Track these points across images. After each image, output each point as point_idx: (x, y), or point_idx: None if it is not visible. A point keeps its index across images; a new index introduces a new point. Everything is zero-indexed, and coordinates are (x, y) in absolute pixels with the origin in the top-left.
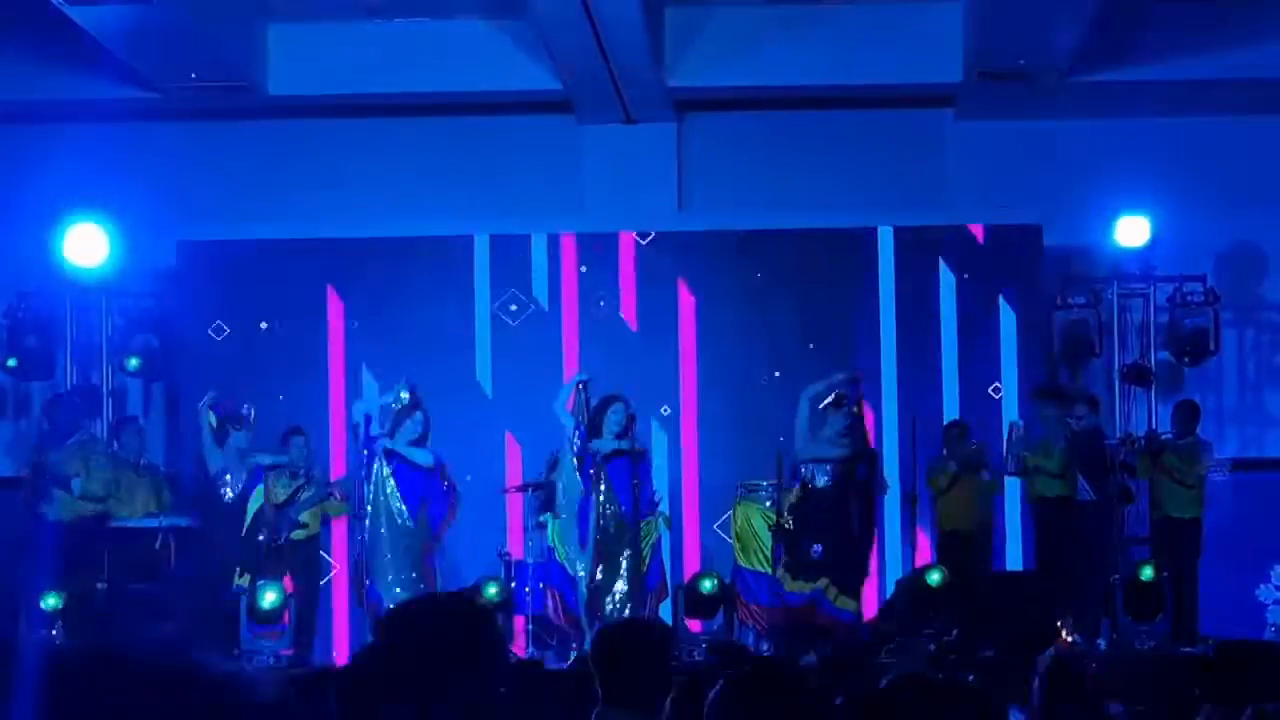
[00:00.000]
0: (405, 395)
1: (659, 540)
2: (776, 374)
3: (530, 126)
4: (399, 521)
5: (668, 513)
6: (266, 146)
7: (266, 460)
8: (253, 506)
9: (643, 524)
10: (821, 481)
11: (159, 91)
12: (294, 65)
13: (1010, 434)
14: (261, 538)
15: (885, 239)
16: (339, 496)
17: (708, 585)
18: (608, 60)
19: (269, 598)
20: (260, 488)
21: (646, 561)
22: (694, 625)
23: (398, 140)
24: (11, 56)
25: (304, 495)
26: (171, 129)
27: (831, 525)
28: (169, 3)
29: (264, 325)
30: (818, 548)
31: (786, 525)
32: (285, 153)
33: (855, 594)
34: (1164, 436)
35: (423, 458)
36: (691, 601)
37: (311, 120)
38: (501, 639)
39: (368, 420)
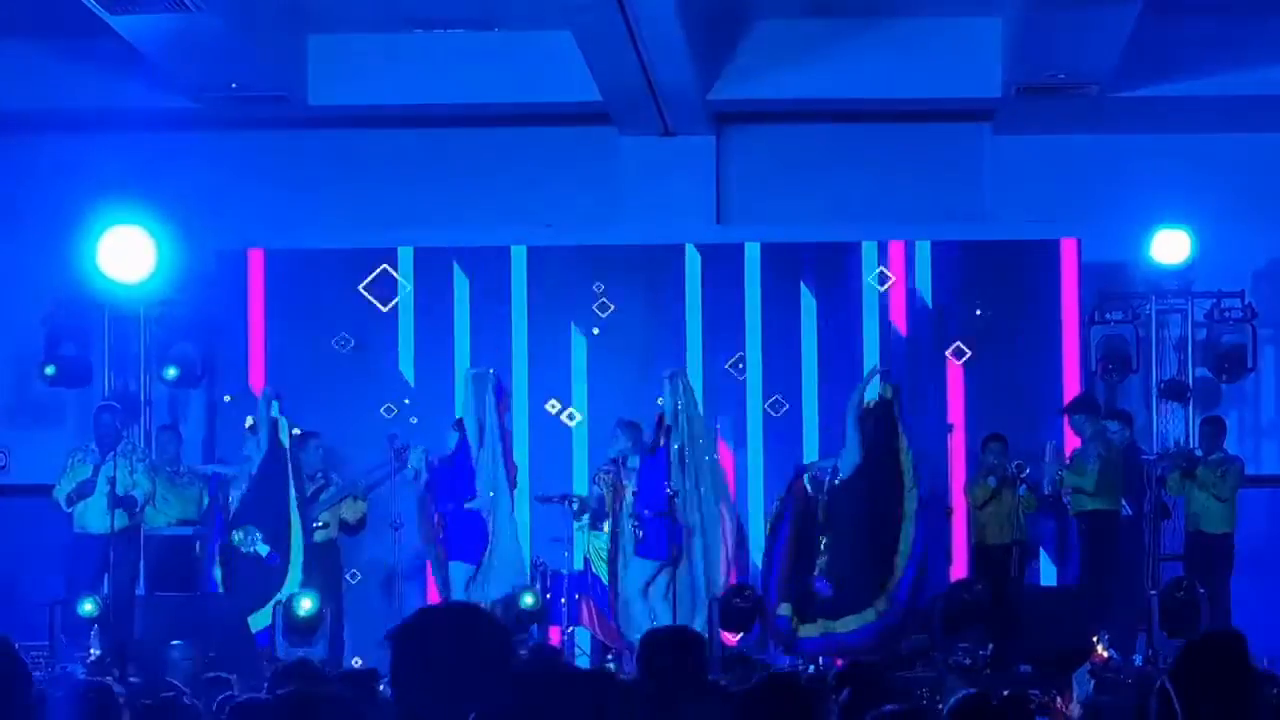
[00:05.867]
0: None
1: None
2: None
3: (569, 138)
4: None
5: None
6: (306, 157)
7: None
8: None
9: None
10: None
11: (199, 101)
12: (334, 76)
13: (1046, 454)
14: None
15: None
16: (359, 497)
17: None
18: (648, 73)
19: (305, 605)
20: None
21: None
22: (728, 638)
23: (437, 151)
24: (53, 64)
25: (323, 495)
26: (212, 138)
27: (850, 530)
28: (210, 13)
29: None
30: (822, 585)
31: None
32: (324, 163)
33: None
34: (1196, 453)
35: None
36: (726, 614)
37: (351, 131)
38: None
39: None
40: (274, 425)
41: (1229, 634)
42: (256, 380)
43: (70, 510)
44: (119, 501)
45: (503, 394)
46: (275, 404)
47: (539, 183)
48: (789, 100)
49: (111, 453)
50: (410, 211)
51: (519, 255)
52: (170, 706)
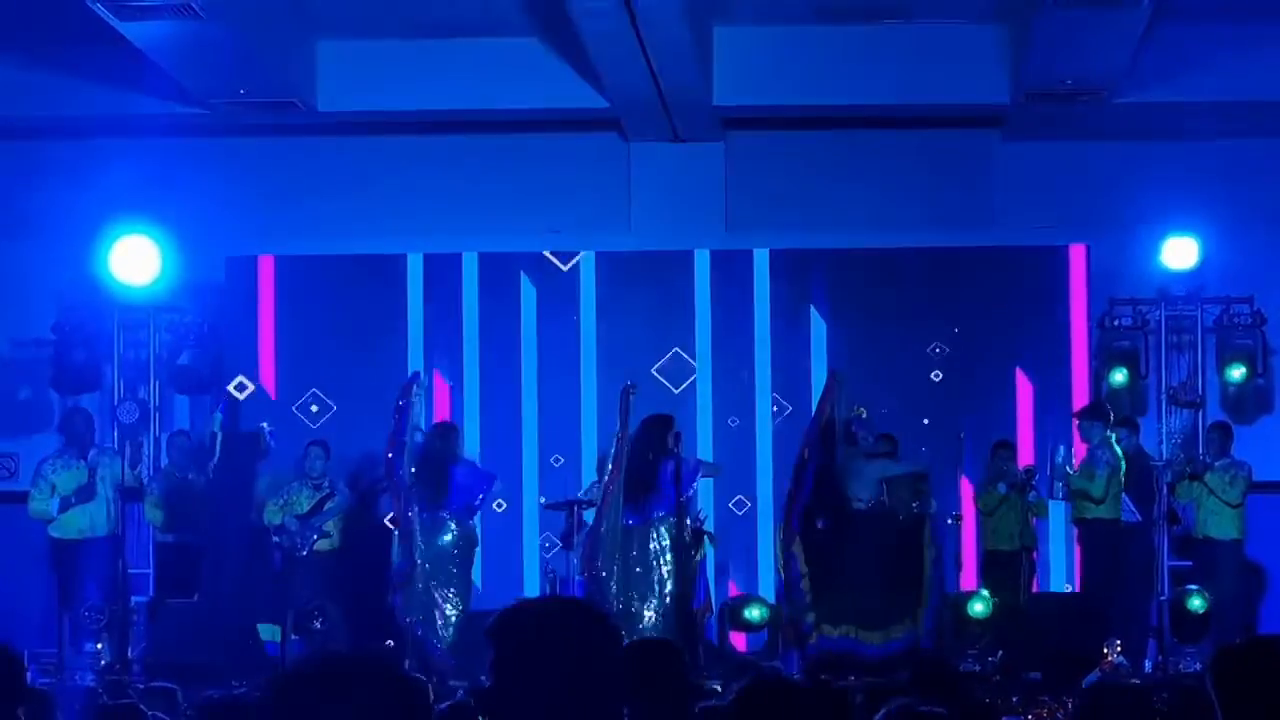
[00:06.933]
0: None
1: (703, 559)
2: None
3: (578, 144)
4: None
5: (713, 530)
6: (315, 163)
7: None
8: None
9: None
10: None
11: (208, 107)
12: (343, 82)
13: (1052, 457)
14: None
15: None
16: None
17: (755, 615)
18: (656, 79)
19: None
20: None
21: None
22: (738, 641)
23: (446, 157)
24: (62, 71)
25: (328, 505)
26: (221, 145)
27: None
28: (219, 19)
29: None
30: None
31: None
32: (334, 169)
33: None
34: (1204, 459)
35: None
36: (736, 620)
37: (360, 137)
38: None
39: None
40: (213, 439)
41: (1270, 640)
42: (267, 384)
43: (60, 516)
44: (131, 494)
45: (405, 391)
46: (217, 416)
47: (548, 189)
48: (798, 106)
49: (94, 450)
50: (420, 217)
51: (527, 261)
52: (127, 712)
